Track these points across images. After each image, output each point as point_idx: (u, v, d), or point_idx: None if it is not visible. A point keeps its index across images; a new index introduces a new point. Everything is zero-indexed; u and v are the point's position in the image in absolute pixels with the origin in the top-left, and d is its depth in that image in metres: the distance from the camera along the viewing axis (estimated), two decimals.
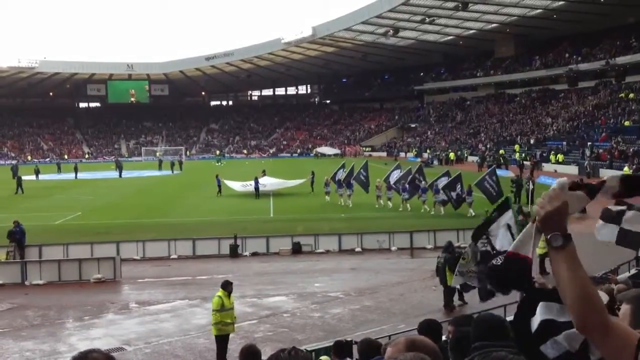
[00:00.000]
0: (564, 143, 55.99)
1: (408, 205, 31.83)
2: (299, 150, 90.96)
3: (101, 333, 14.58)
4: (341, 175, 35.39)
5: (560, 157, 51.96)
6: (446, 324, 6.27)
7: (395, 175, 33.53)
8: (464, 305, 15.60)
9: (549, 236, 1.90)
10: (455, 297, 15.93)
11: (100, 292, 18.76)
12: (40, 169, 59.66)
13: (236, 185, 40.16)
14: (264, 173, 43.36)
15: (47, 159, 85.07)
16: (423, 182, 31.95)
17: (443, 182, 30.79)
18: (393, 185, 33.06)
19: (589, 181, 1.99)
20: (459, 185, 30.01)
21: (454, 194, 29.71)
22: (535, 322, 2.18)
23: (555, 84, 71.85)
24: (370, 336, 8.66)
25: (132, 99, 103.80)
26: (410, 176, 32.52)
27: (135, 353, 12.90)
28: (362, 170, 35.41)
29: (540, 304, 2.18)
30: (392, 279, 19.33)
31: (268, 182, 40.35)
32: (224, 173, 46.63)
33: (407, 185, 32.02)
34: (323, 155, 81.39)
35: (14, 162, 73.33)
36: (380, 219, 29.07)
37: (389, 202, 32.70)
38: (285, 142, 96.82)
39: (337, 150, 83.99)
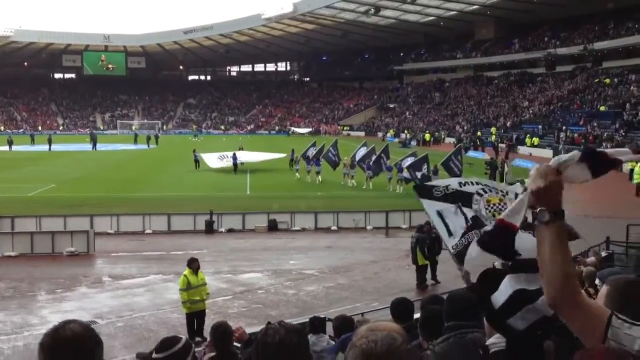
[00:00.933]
0: (540, 126, 56.54)
1: (370, 183, 32.36)
2: (277, 128, 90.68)
3: (73, 306, 14.50)
4: (311, 153, 36.24)
5: (535, 140, 52.50)
6: (419, 302, 6.34)
7: (361, 153, 33.93)
8: (437, 285, 15.80)
9: (537, 210, 1.91)
10: (429, 276, 16.15)
11: (73, 265, 18.63)
12: (14, 140, 58.76)
13: (212, 159, 39.77)
14: (241, 149, 43.30)
15: (21, 130, 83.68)
16: (387, 161, 32.58)
17: (408, 161, 31.36)
18: (357, 164, 33.52)
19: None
20: (425, 165, 30.48)
21: (418, 174, 30.09)
22: (501, 296, 2.21)
23: (533, 67, 72.30)
24: (343, 313, 8.73)
25: (109, 67, 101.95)
26: (375, 155, 32.95)
27: (107, 326, 12.85)
28: (331, 148, 36.07)
29: (507, 277, 2.21)
30: (367, 258, 19.47)
31: (246, 157, 40.32)
32: (201, 148, 46.35)
33: (371, 164, 32.44)
34: (294, 133, 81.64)
35: None
36: (357, 198, 29.18)
37: (352, 180, 33.33)
38: (263, 119, 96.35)
39: (309, 129, 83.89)
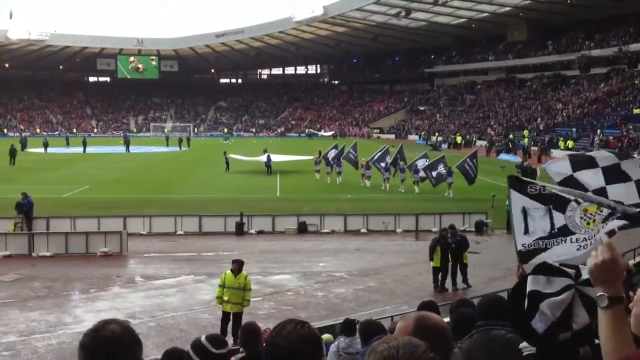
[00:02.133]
0: (574, 129, 55.69)
1: (387, 184, 32.88)
2: (307, 131, 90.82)
3: (106, 306, 14.71)
4: (332, 154, 37.22)
5: (570, 143, 51.71)
6: (447, 306, 6.32)
7: (378, 155, 34.24)
8: (468, 289, 15.68)
9: (597, 294, 1.87)
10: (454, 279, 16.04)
11: (107, 265, 18.90)
12: (49, 142, 59.92)
13: (244, 158, 42.03)
14: (265, 151, 43.64)
15: (56, 132, 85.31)
16: (401, 162, 33.51)
17: (421, 162, 32.18)
18: (374, 164, 33.88)
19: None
20: (442, 165, 30.97)
21: (434, 173, 30.80)
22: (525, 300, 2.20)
23: (567, 69, 71.28)
24: (372, 316, 8.74)
25: (138, 67, 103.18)
26: (389, 157, 33.60)
27: (140, 326, 13.01)
28: (351, 149, 36.91)
29: (529, 277, 2.19)
30: (397, 261, 19.39)
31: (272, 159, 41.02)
32: (232, 151, 46.77)
33: (389, 165, 33.10)
34: (316, 135, 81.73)
35: (23, 134, 73.76)
36: (387, 201, 29.09)
37: (368, 181, 34.03)
38: (293, 122, 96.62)
39: (331, 132, 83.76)
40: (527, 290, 2.18)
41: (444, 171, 30.70)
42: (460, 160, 31.79)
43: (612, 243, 1.93)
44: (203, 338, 4.17)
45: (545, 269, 2.21)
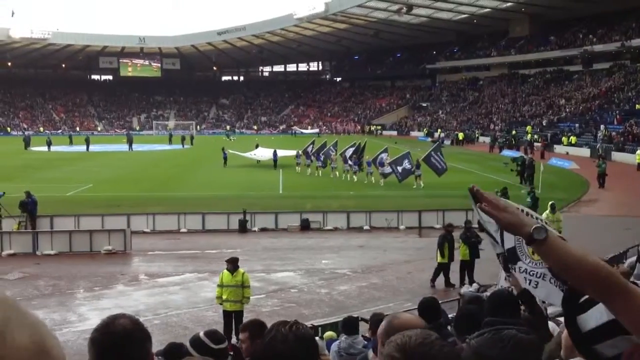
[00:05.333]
0: (577, 125, 55.59)
1: (355, 177, 35.08)
2: (308, 128, 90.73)
3: (111, 304, 14.76)
4: (310, 149, 39.96)
5: (573, 139, 51.64)
6: (450, 303, 6.35)
7: (350, 151, 36.41)
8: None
9: (526, 240, 1.86)
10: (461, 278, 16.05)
11: (111, 263, 18.97)
12: (52, 141, 60.03)
13: (247, 154, 43.29)
14: (257, 146, 45.93)
15: (59, 131, 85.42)
16: (366, 156, 35.39)
17: (384, 156, 33.51)
18: (343, 159, 36.25)
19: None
20: (407, 161, 32.41)
21: (399, 168, 32.23)
22: (592, 320, 2.12)
23: (569, 65, 71.12)
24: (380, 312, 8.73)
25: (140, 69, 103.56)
26: (352, 150, 36.19)
27: (144, 324, 13.05)
28: (331, 146, 38.78)
29: (599, 305, 2.11)
30: (400, 258, 19.42)
31: (263, 153, 43.33)
32: (235, 148, 46.98)
33: (356, 159, 35.36)
34: (301, 133, 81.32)
35: (26, 133, 73.89)
36: (389, 198, 29.10)
37: (334, 172, 36.68)
38: (295, 119, 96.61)
39: (316, 130, 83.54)
40: (607, 318, 2.10)
41: (409, 166, 32.20)
42: (425, 154, 33.38)
43: (492, 200, 1.93)
44: (202, 334, 4.22)
45: None
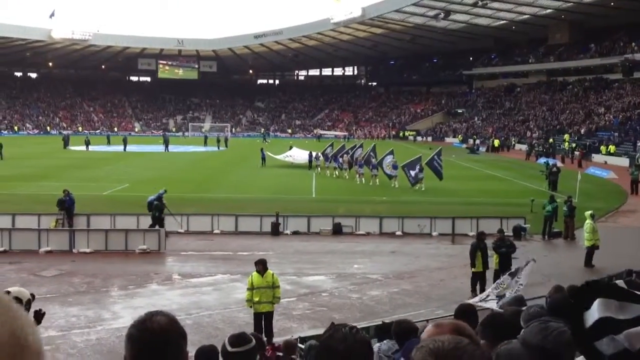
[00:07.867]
0: (616, 134, 54.50)
1: (357, 178, 36.37)
2: (335, 131, 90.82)
3: (144, 302, 14.91)
4: (329, 152, 41.52)
5: (611, 148, 50.62)
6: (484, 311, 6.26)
7: (358, 153, 38.70)
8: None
9: None
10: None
11: (145, 262, 19.19)
12: (91, 140, 61.17)
13: (282, 156, 45.25)
14: (291, 148, 47.83)
15: (98, 131, 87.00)
16: (374, 160, 36.25)
17: (389, 159, 34.65)
18: (354, 162, 37.65)
19: None
20: (419, 166, 32.96)
21: (412, 172, 32.80)
22: (591, 317, 2.12)
23: (609, 73, 69.77)
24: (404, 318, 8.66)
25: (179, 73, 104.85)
26: (355, 152, 38.80)
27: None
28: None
29: (598, 300, 2.12)
30: (432, 264, 19.25)
31: (298, 154, 45.20)
32: (269, 151, 47.28)
33: (362, 161, 36.98)
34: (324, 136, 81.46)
35: (65, 132, 75.45)
36: (422, 204, 28.90)
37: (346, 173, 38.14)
38: (330, 123, 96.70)
39: (343, 133, 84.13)
40: (598, 315, 2.11)
41: (419, 171, 33.03)
42: (429, 158, 33.75)
43: None
44: (226, 339, 4.25)
45: (616, 292, 2.14)
